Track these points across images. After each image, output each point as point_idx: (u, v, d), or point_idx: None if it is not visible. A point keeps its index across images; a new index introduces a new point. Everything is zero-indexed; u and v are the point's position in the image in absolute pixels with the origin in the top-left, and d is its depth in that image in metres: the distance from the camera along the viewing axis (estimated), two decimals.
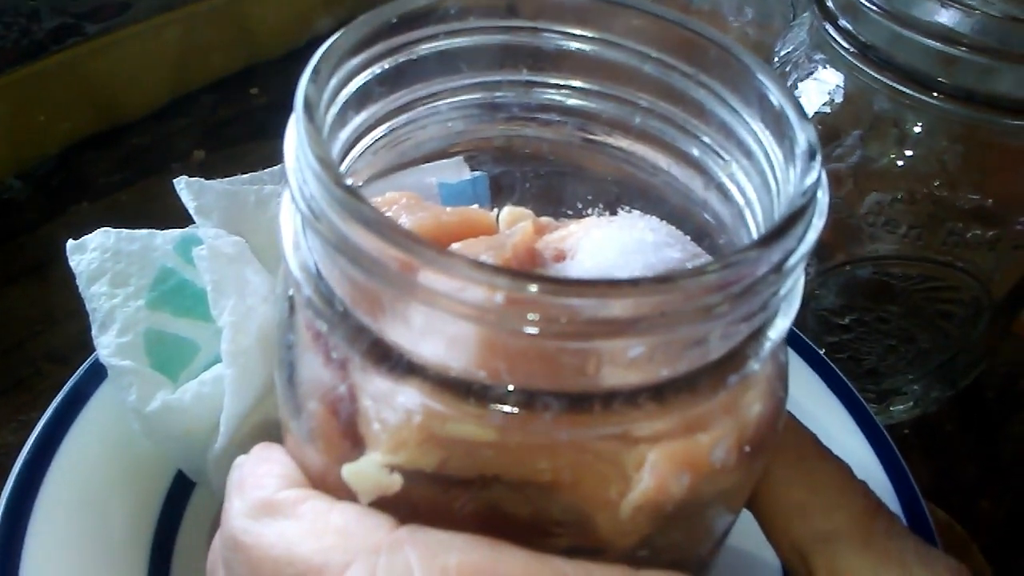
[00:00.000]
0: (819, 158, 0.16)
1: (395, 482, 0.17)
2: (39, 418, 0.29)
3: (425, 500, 0.17)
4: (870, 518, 0.21)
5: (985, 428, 0.44)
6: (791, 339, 0.34)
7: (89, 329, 0.28)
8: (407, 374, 0.16)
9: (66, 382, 0.30)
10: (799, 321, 0.37)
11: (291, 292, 0.19)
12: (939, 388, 0.40)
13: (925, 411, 0.41)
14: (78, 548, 0.28)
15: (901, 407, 0.40)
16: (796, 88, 0.34)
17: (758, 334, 0.17)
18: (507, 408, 0.15)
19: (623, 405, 0.16)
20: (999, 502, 0.41)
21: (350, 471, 0.17)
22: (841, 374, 0.34)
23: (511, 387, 0.15)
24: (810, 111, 0.34)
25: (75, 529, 0.28)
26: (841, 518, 0.21)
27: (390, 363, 0.16)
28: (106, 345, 0.28)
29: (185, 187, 0.29)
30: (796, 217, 0.15)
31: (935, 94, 0.31)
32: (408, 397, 0.16)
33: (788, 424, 0.22)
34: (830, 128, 0.34)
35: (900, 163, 0.33)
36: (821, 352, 0.34)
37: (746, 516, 0.22)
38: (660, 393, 0.16)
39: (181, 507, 0.30)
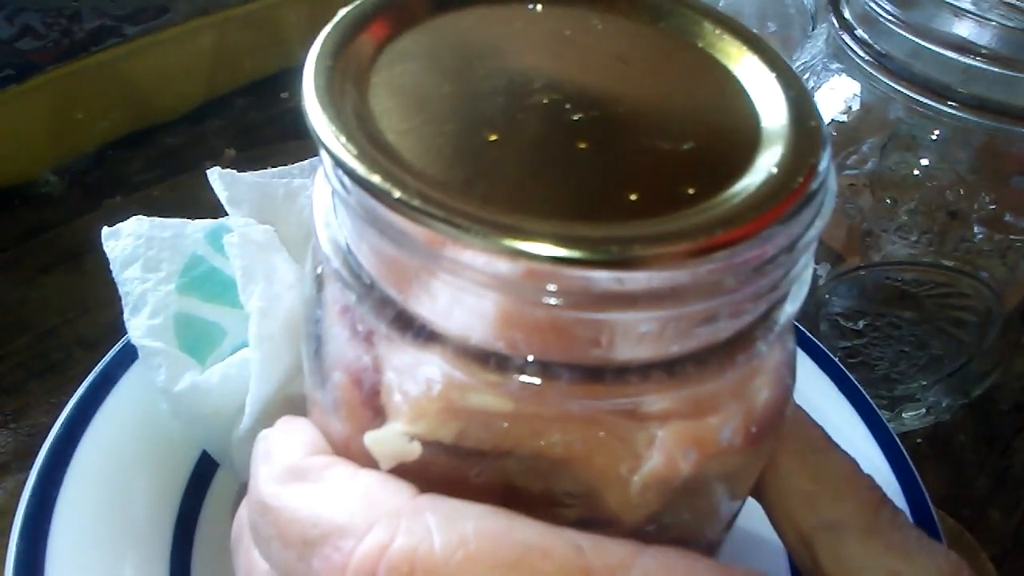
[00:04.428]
0: (829, 144, 0.17)
1: (414, 450, 0.18)
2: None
3: (442, 470, 0.18)
4: (875, 509, 0.21)
5: (998, 440, 0.44)
6: (805, 344, 0.35)
7: (120, 317, 0.29)
8: (429, 343, 0.17)
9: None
10: (812, 326, 0.38)
11: (319, 269, 0.19)
12: (951, 396, 0.40)
13: (938, 419, 0.41)
14: (104, 524, 0.28)
15: (913, 414, 0.40)
16: (813, 95, 0.35)
17: (766, 317, 0.18)
18: (523, 378, 0.16)
19: (634, 377, 0.16)
20: (1010, 513, 0.41)
21: (372, 438, 0.18)
22: (853, 379, 0.34)
23: (528, 358, 0.16)
24: (827, 118, 0.35)
25: (101, 506, 0.29)
26: (846, 508, 0.21)
27: (413, 332, 0.17)
28: (137, 327, 0.29)
29: (218, 178, 0.30)
30: (809, 199, 0.16)
31: (951, 103, 0.32)
32: (429, 368, 0.17)
33: (797, 416, 0.23)
34: (846, 136, 0.34)
35: (916, 172, 0.34)
36: (835, 358, 0.35)
37: (756, 502, 0.23)
38: (670, 368, 0.17)
39: (205, 487, 0.31)
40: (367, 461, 0.18)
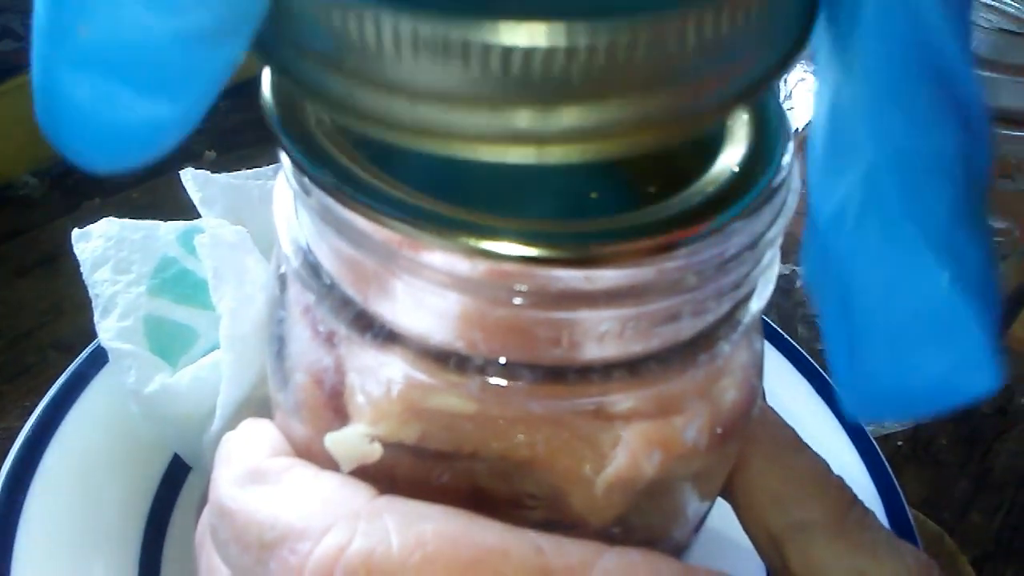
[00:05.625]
0: (792, 141, 0.17)
1: (375, 451, 0.17)
2: None
3: (404, 471, 0.18)
4: (844, 510, 0.21)
5: (979, 443, 0.44)
6: (781, 344, 0.35)
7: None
8: (389, 343, 0.16)
9: None
10: (790, 327, 0.38)
11: (283, 269, 0.19)
12: None
13: (918, 422, 0.41)
14: (72, 526, 0.28)
15: None
16: (790, 97, 0.35)
17: (730, 316, 0.17)
18: (485, 378, 0.16)
19: (597, 377, 0.16)
20: (991, 516, 0.41)
21: (332, 440, 0.18)
22: (831, 381, 0.34)
23: (489, 358, 0.16)
24: (804, 120, 0.35)
25: (70, 508, 0.29)
26: (816, 509, 0.21)
27: (373, 333, 0.17)
28: (107, 329, 0.28)
29: (191, 179, 0.30)
30: (771, 195, 0.16)
31: None
32: (390, 368, 0.17)
33: (767, 417, 0.23)
34: None
35: None
36: (812, 359, 0.35)
37: (727, 505, 0.23)
38: (633, 367, 0.16)
39: (176, 490, 0.30)
40: (329, 463, 0.18)
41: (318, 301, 0.17)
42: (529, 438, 0.17)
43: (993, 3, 0.33)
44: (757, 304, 0.18)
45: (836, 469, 0.23)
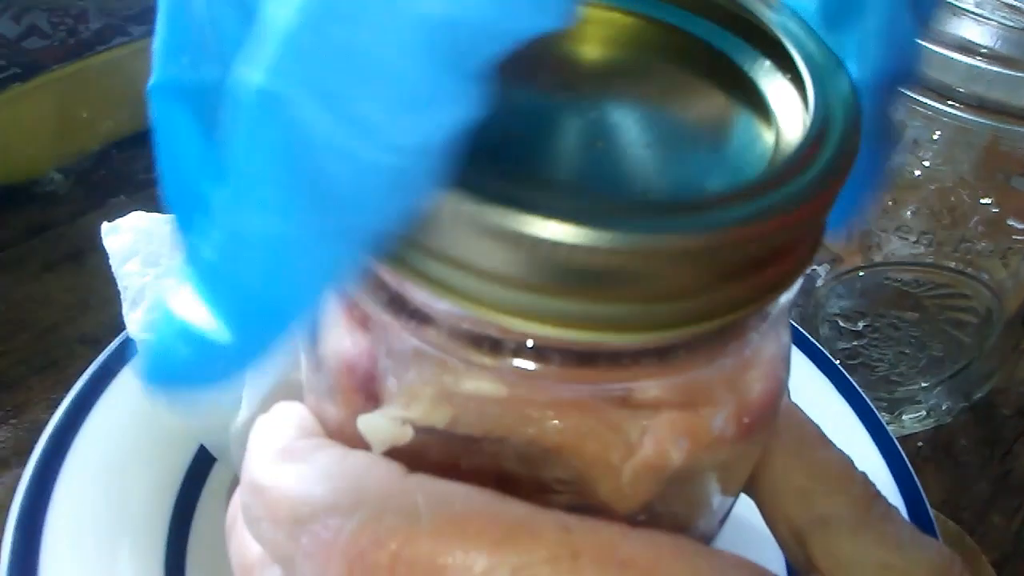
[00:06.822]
0: None
1: (406, 433, 0.18)
2: None
3: (434, 455, 0.18)
4: (867, 504, 0.21)
5: (1000, 444, 0.44)
6: (803, 345, 0.35)
7: (121, 315, 0.29)
8: (423, 326, 0.17)
9: None
10: (811, 328, 0.38)
11: None
12: (952, 398, 0.40)
13: (938, 422, 0.41)
14: (99, 515, 0.29)
15: (913, 416, 0.40)
16: None
17: None
18: (517, 361, 0.16)
19: (626, 362, 0.16)
20: (1011, 517, 0.41)
21: (364, 422, 0.18)
22: (852, 380, 0.34)
23: (521, 341, 0.16)
24: None
25: (98, 497, 0.29)
26: (839, 503, 0.21)
27: (407, 316, 0.17)
28: (135, 321, 0.29)
29: None
30: None
31: (951, 103, 0.32)
32: (423, 351, 0.17)
33: (792, 413, 0.23)
34: None
35: (917, 173, 0.34)
36: (835, 360, 0.35)
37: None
38: (661, 354, 0.17)
39: (201, 481, 0.31)
40: (360, 445, 0.18)
41: (352, 284, 0.17)
42: (558, 424, 0.18)
43: (1016, 3, 0.33)
44: (786, 295, 0.18)
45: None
